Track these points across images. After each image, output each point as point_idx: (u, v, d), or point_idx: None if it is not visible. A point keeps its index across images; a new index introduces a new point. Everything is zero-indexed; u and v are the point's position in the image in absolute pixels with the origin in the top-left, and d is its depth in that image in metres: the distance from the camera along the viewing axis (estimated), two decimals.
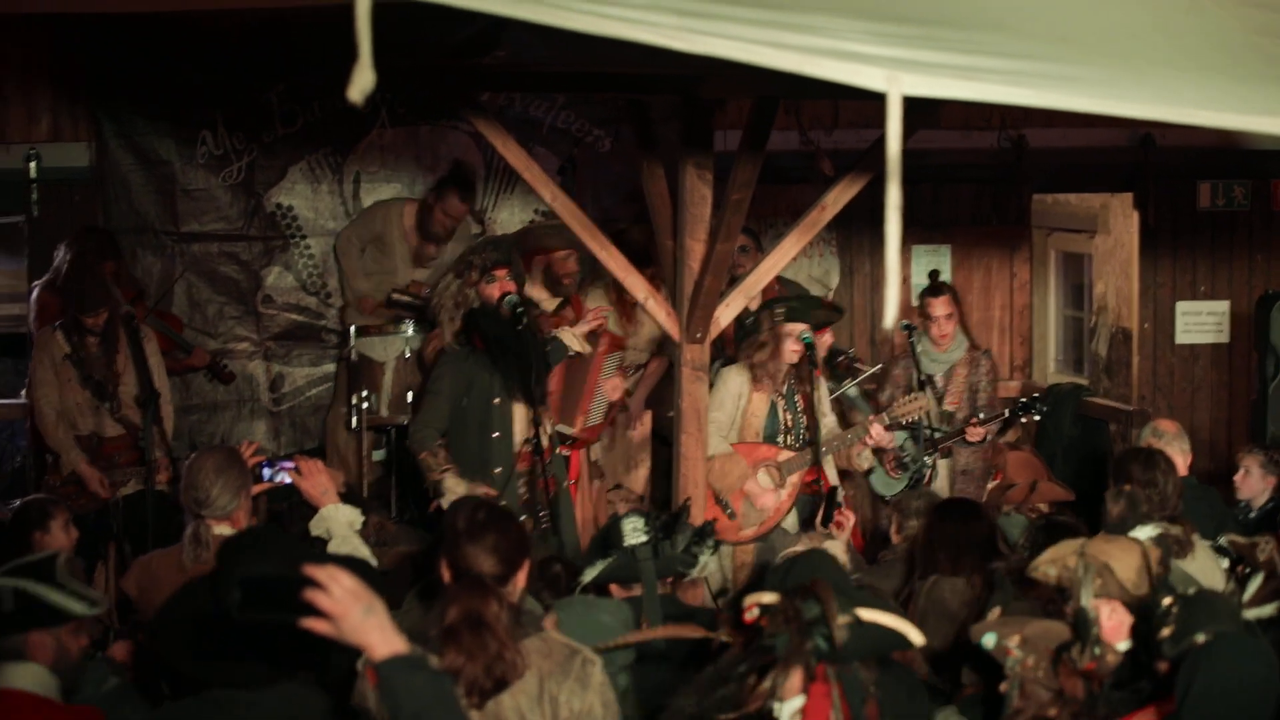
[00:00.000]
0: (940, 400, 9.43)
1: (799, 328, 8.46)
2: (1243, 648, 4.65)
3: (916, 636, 4.28)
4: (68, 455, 9.11)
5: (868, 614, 4.21)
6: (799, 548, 6.11)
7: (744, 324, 8.67)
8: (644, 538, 5.61)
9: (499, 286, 7.97)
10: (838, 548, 7.37)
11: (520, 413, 8.05)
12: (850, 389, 9.45)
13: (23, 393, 10.41)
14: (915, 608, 6.34)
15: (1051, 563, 5.25)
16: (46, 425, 9.17)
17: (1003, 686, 4.81)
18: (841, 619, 4.16)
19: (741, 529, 8.51)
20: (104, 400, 9.12)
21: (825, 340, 9.03)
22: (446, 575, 4.59)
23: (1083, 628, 4.73)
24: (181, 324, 10.39)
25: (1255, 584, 5.54)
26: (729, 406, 8.60)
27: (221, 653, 4.13)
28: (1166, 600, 4.94)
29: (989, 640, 4.82)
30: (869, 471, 9.40)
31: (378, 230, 10.48)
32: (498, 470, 7.98)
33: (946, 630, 6.15)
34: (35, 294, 9.94)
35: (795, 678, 4.30)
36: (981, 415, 9.30)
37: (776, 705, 4.30)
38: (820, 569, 4.91)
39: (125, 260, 10.20)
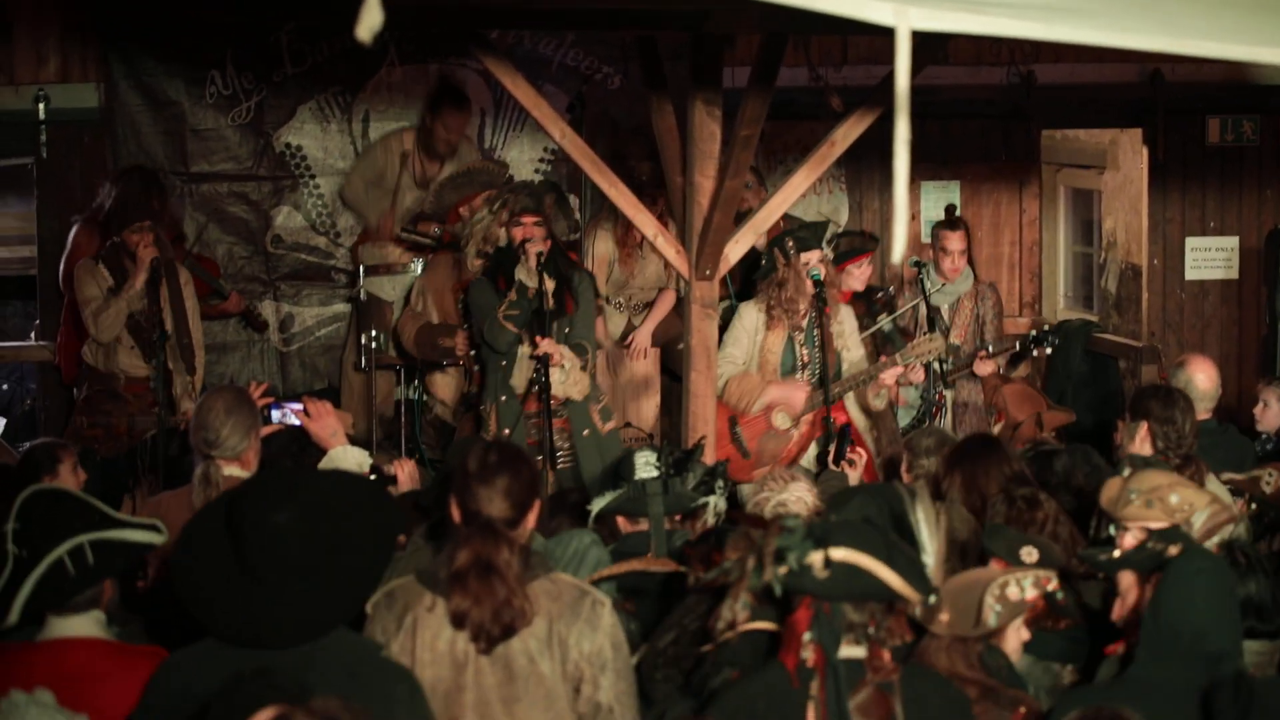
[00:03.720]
0: (947, 334, 9.43)
1: (815, 255, 8.51)
2: (1213, 567, 4.57)
3: (906, 590, 4.06)
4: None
5: (839, 554, 4.07)
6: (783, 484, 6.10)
7: (759, 266, 8.70)
8: (655, 472, 5.60)
9: (522, 231, 8.24)
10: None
11: (523, 354, 8.22)
12: (885, 324, 9.43)
13: (32, 334, 10.43)
14: None
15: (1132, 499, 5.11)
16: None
17: None
18: (813, 555, 4.04)
19: (755, 468, 8.53)
20: (141, 342, 9.11)
21: (864, 272, 9.15)
22: (456, 515, 4.52)
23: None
24: (219, 268, 10.38)
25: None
26: (744, 342, 8.63)
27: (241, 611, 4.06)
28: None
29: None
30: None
31: (380, 165, 10.48)
32: (503, 399, 8.26)
33: (955, 563, 6.12)
34: (74, 230, 9.91)
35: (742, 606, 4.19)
36: (990, 348, 9.32)
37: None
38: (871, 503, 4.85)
39: (171, 201, 10.17)
